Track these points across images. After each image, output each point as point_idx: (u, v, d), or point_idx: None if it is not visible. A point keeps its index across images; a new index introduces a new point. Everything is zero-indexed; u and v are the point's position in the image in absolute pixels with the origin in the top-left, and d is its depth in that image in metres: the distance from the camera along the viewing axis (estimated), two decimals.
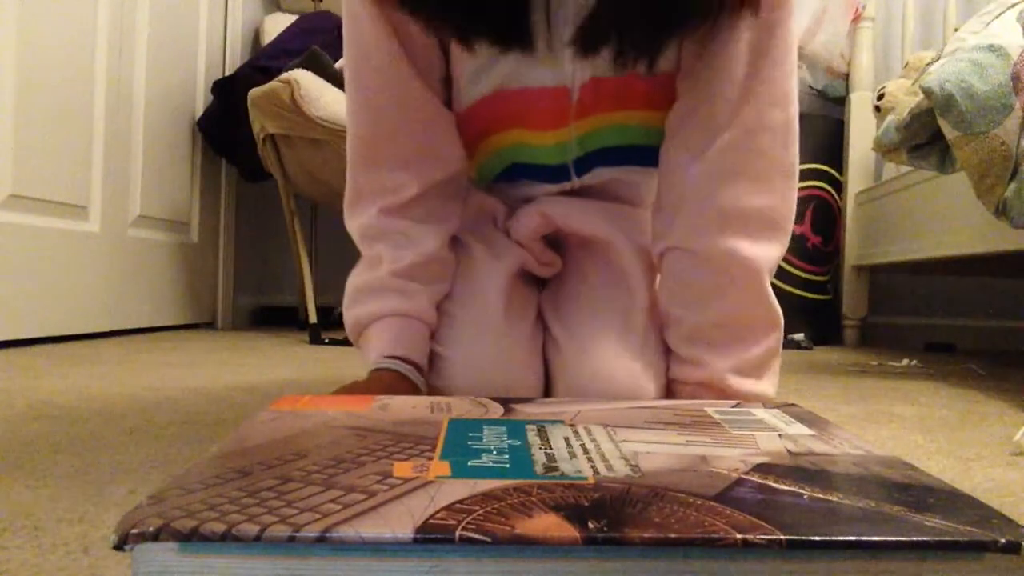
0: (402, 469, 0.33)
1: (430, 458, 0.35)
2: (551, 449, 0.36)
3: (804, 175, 2.28)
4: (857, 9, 2.40)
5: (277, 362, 1.39)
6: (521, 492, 0.30)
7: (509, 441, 0.38)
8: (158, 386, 1.04)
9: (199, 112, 2.19)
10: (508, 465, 0.34)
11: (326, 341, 1.80)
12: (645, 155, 0.75)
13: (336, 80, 1.77)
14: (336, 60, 1.94)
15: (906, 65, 1.90)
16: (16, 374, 1.11)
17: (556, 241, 0.79)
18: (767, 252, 0.66)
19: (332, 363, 1.42)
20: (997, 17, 1.24)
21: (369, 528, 0.26)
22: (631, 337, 0.69)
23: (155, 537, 0.26)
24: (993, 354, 2.21)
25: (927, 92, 1.17)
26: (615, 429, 0.41)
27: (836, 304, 2.45)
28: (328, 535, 0.26)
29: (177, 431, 0.75)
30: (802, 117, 1.03)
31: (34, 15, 1.50)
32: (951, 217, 1.67)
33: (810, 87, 2.43)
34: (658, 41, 0.62)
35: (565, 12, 0.66)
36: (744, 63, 0.65)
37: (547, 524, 0.27)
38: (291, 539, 0.26)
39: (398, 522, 0.27)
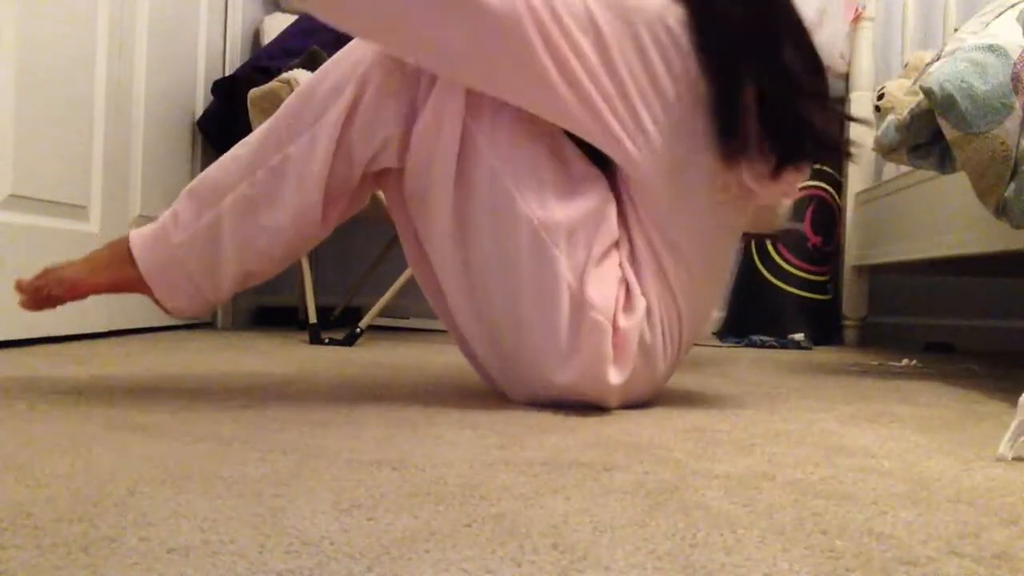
0: None
1: None
2: None
3: None
4: (857, 9, 2.40)
5: (277, 362, 1.39)
6: None
7: None
8: (158, 386, 1.04)
9: (199, 112, 2.19)
10: None
11: (326, 341, 1.80)
12: None
13: None
14: None
15: (906, 65, 1.90)
16: (16, 374, 1.11)
17: None
18: None
19: (332, 363, 1.42)
20: (997, 17, 1.23)
21: None
22: None
23: None
24: (993, 354, 2.21)
25: (927, 92, 1.17)
26: None
27: (836, 304, 2.45)
28: None
29: (178, 429, 0.75)
30: None
31: (34, 15, 1.50)
32: (951, 217, 1.67)
33: None
34: None
35: None
36: None
37: None
38: None
39: None
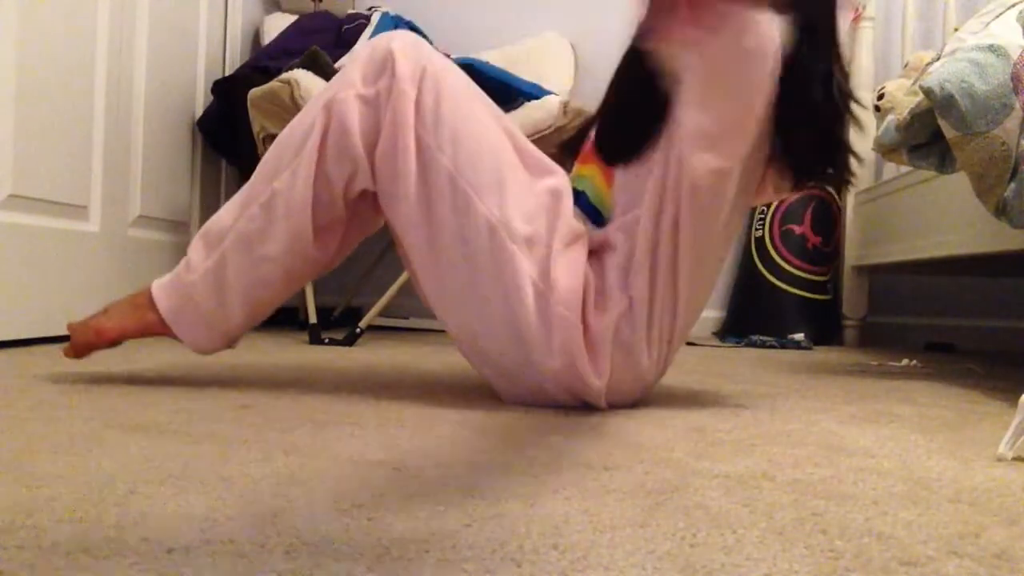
0: None
1: None
2: None
3: None
4: (857, 9, 2.40)
5: (277, 362, 1.39)
6: None
7: None
8: (158, 386, 1.04)
9: (199, 112, 2.19)
10: None
11: (326, 341, 1.80)
12: None
13: None
14: (336, 60, 1.94)
15: (906, 65, 1.90)
16: (16, 374, 1.11)
17: None
18: None
19: (332, 363, 1.42)
20: (997, 17, 1.24)
21: None
22: None
23: None
24: (993, 354, 2.21)
25: (927, 92, 1.17)
26: None
27: (836, 304, 2.45)
28: None
29: (178, 429, 0.75)
30: None
31: (34, 15, 1.50)
32: (951, 217, 1.67)
33: None
34: None
35: None
36: None
37: None
38: None
39: None
